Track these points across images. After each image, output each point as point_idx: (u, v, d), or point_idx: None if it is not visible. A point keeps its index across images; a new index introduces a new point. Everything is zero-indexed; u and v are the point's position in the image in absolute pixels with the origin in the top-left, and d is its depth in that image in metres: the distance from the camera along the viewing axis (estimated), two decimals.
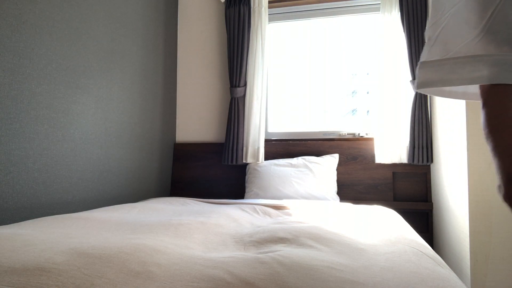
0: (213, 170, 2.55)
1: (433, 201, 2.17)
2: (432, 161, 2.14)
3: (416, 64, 2.16)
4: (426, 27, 0.56)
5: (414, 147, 2.14)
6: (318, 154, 2.36)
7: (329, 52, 2.54)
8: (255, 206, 1.68)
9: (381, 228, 1.20)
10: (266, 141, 2.46)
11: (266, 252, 0.87)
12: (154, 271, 0.70)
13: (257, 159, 2.35)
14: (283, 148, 2.45)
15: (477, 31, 0.48)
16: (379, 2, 2.35)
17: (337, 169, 2.30)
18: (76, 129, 1.71)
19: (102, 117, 1.90)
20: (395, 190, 2.26)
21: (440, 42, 0.52)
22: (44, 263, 0.71)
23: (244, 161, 2.38)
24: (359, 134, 2.40)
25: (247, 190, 2.28)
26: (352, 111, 2.50)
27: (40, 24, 1.49)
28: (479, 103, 1.68)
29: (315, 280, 0.67)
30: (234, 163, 2.38)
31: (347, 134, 2.42)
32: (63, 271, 0.68)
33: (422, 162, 2.12)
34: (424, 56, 0.55)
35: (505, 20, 0.47)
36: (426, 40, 0.55)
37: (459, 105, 1.63)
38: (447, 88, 0.57)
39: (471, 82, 0.49)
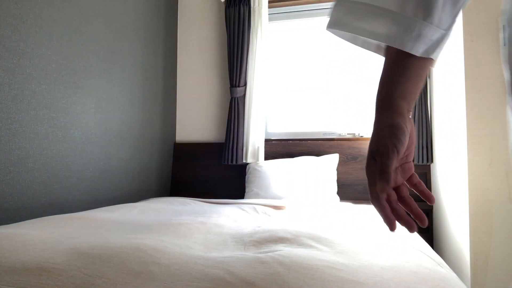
0: (213, 170, 2.55)
1: None
2: (432, 161, 2.14)
3: None
4: None
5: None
6: (318, 154, 2.36)
7: (329, 52, 2.54)
8: (255, 206, 1.68)
9: (381, 228, 1.20)
10: (266, 141, 2.46)
11: (266, 252, 0.87)
12: (154, 271, 0.70)
13: (257, 159, 2.35)
14: (283, 148, 2.45)
15: None
16: None
17: (337, 169, 2.30)
18: (76, 129, 1.71)
19: (102, 117, 1.90)
20: None
21: None
22: (44, 263, 0.71)
23: (244, 161, 2.38)
24: (359, 134, 2.40)
25: (247, 190, 2.28)
26: (352, 111, 2.49)
27: (40, 24, 1.49)
28: (479, 103, 1.67)
29: (315, 280, 0.67)
30: (234, 163, 2.38)
31: (347, 134, 2.42)
32: (63, 271, 0.68)
33: (422, 162, 2.12)
34: None
35: None
36: None
37: (460, 105, 1.63)
38: (362, 37, 0.49)
39: (370, 35, 0.45)
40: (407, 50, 0.44)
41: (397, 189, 0.48)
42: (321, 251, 0.87)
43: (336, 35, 0.51)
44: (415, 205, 0.47)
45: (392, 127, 0.45)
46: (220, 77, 2.64)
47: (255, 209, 1.62)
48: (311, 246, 0.91)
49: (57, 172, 1.59)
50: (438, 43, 0.45)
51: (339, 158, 2.33)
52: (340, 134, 2.43)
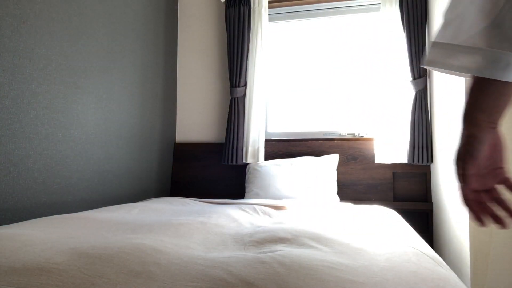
0: (213, 170, 2.55)
1: (433, 201, 2.17)
2: (432, 161, 2.14)
3: (416, 64, 2.16)
4: (446, 6, 0.57)
5: (414, 147, 2.14)
6: (318, 154, 2.36)
7: (329, 52, 2.54)
8: (255, 206, 1.68)
9: (381, 228, 1.20)
10: (266, 141, 2.46)
11: (266, 252, 0.87)
12: (154, 271, 0.70)
13: (257, 159, 2.35)
14: (283, 148, 2.45)
15: (487, 22, 0.49)
16: (379, 2, 2.35)
17: (337, 169, 2.30)
18: (76, 129, 1.71)
19: (102, 117, 1.90)
20: (395, 190, 2.26)
21: (454, 26, 0.54)
22: (44, 263, 0.71)
23: (244, 161, 2.38)
24: (359, 134, 2.40)
25: (247, 190, 2.28)
26: (352, 111, 2.49)
27: (40, 24, 1.49)
28: None
29: (315, 280, 0.67)
30: (234, 163, 2.38)
31: (347, 134, 2.42)
32: (63, 271, 0.68)
33: (422, 162, 2.12)
34: (437, 36, 0.57)
35: None
36: (442, 20, 0.57)
37: (459, 105, 1.63)
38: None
39: (462, 70, 0.53)
40: (496, 78, 0.50)
41: (490, 191, 0.55)
42: (321, 251, 0.87)
43: (432, 69, 0.61)
44: (508, 205, 0.54)
45: (467, 136, 0.53)
46: (220, 77, 2.64)
47: (255, 209, 1.62)
48: (311, 246, 0.91)
49: (57, 172, 1.59)
50: None
51: (339, 158, 2.33)
52: (340, 134, 2.43)
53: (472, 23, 0.51)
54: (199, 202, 1.94)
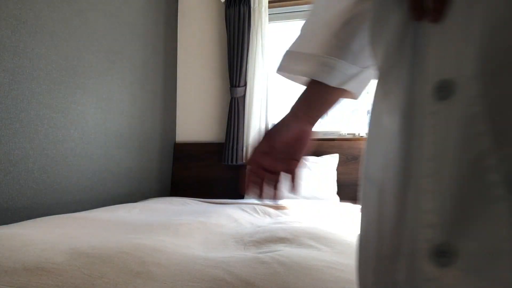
0: (213, 170, 2.55)
1: None
2: None
3: None
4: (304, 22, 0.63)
5: None
6: (318, 154, 2.36)
7: None
8: (255, 206, 1.68)
9: None
10: None
11: (266, 252, 0.87)
12: (154, 271, 0.70)
13: None
14: None
15: (333, 37, 0.57)
16: None
17: (337, 169, 2.30)
18: (76, 129, 1.71)
19: (102, 117, 1.90)
20: None
21: (305, 37, 0.62)
22: (44, 263, 0.71)
23: (244, 161, 2.38)
24: (359, 134, 2.40)
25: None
26: (352, 111, 2.50)
27: (40, 24, 1.49)
28: None
29: (315, 280, 0.67)
30: (234, 163, 2.38)
31: (347, 134, 2.42)
32: (63, 271, 0.68)
33: None
34: (290, 46, 0.64)
35: (353, 35, 0.55)
36: (299, 32, 0.64)
37: None
38: (304, 78, 0.64)
39: (301, 74, 0.60)
40: (320, 80, 0.56)
41: (274, 174, 0.59)
42: (321, 251, 0.87)
43: (283, 76, 0.67)
44: (279, 190, 0.59)
45: (282, 120, 0.59)
46: (220, 77, 2.64)
47: (255, 209, 1.62)
48: (311, 246, 0.91)
49: (57, 172, 1.59)
50: (353, 77, 0.57)
51: (339, 158, 2.33)
52: (340, 134, 2.43)
53: (319, 36, 0.58)
54: (199, 202, 1.94)
